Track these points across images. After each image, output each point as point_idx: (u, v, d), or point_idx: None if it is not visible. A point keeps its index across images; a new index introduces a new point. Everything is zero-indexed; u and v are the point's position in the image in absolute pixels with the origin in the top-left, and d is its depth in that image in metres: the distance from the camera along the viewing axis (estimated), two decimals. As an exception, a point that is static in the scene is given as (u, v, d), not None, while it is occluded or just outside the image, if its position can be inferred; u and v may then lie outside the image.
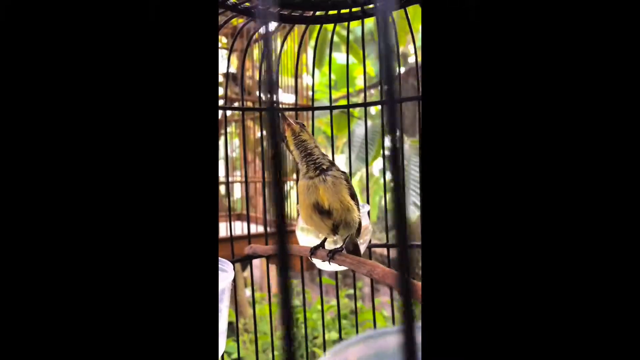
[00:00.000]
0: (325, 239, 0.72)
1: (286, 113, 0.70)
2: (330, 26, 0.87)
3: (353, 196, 0.67)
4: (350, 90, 1.01)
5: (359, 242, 0.77)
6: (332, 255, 0.66)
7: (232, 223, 0.92)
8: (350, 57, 0.99)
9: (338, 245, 0.70)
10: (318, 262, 0.89)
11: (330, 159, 0.68)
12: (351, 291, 2.52)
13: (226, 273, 0.70)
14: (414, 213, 1.90)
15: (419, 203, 1.92)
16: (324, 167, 0.66)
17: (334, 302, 2.33)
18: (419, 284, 0.50)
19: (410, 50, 3.44)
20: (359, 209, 0.68)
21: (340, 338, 0.99)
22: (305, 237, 0.93)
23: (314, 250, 0.71)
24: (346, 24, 0.85)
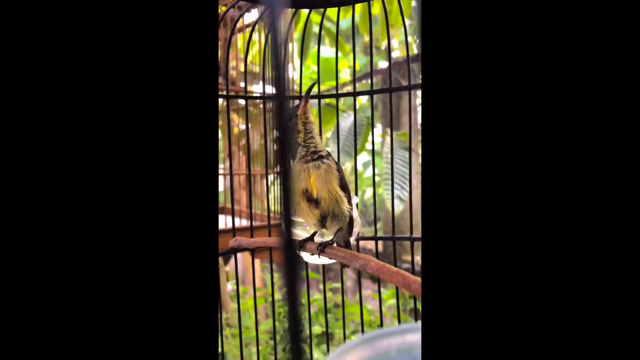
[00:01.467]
0: (314, 233, 0.71)
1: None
2: (317, 17, 0.84)
3: (344, 188, 0.65)
4: (334, 83, 0.99)
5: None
6: (322, 249, 0.64)
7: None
8: (333, 50, 0.98)
9: (328, 239, 0.69)
10: (306, 256, 0.87)
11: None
12: (335, 285, 2.52)
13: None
14: (398, 207, 1.90)
15: (403, 197, 1.92)
16: (322, 153, 0.64)
17: (317, 295, 2.33)
18: (419, 279, 0.48)
19: (394, 44, 3.44)
20: (350, 202, 0.66)
21: (327, 332, 0.98)
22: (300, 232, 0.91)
23: (302, 244, 0.69)
24: (336, 9, 0.82)
